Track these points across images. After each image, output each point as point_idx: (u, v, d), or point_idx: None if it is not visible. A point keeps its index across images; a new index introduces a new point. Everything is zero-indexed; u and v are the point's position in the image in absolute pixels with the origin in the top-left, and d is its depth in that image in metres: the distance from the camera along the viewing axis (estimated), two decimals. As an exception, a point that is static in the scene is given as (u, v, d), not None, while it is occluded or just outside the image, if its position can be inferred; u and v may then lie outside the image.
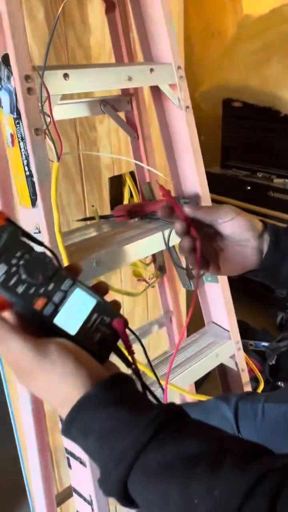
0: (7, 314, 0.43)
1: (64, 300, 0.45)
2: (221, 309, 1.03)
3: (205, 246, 0.65)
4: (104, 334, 0.46)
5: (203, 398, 0.90)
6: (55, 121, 0.68)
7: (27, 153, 0.68)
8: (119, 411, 0.40)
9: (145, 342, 1.37)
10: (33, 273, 0.45)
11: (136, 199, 1.11)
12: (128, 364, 0.48)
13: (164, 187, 0.69)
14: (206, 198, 0.94)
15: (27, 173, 0.69)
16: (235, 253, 0.66)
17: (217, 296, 1.02)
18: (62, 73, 0.71)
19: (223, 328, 1.05)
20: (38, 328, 0.44)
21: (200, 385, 1.86)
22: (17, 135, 0.69)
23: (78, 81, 0.73)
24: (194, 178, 0.93)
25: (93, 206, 1.05)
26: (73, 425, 0.41)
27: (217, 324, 1.06)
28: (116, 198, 1.17)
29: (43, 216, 0.69)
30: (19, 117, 0.67)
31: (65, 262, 0.70)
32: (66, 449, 0.81)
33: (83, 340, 0.45)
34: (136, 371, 0.48)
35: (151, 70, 0.83)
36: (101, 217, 0.98)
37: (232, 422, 0.75)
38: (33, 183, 0.69)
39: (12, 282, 0.44)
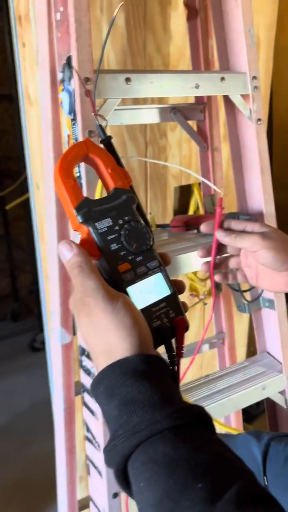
0: (94, 262, 0.46)
1: (145, 276, 0.48)
2: (275, 338, 0.95)
3: (243, 259, 0.68)
4: (163, 324, 0.48)
5: (233, 431, 0.84)
6: (97, 123, 0.67)
7: (79, 154, 0.68)
8: (152, 388, 0.39)
9: (197, 361, 1.32)
10: (130, 240, 0.48)
11: (201, 211, 1.08)
12: (171, 363, 0.48)
13: (221, 203, 0.69)
14: (270, 216, 0.88)
15: (78, 174, 0.70)
16: (270, 275, 0.67)
17: (272, 324, 0.94)
18: (124, 77, 0.70)
19: (276, 359, 0.97)
20: (112, 286, 0.46)
21: (255, 418, 1.76)
22: (73, 136, 0.69)
23: (140, 85, 0.72)
24: (259, 195, 0.87)
25: (150, 213, 1.03)
26: (103, 381, 0.41)
27: (270, 354, 0.99)
28: (181, 208, 1.15)
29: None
30: (75, 118, 0.68)
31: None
32: (87, 456, 0.80)
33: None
34: (177, 373, 0.48)
35: (222, 78, 0.79)
36: (158, 225, 0.96)
37: (259, 462, 0.68)
38: (81, 184, 0.69)
39: (110, 237, 0.48)
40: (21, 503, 1.74)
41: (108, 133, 0.98)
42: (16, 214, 2.82)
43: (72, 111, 0.68)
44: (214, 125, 0.95)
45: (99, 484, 0.77)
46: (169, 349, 0.48)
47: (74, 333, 0.86)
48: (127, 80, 0.70)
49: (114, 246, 0.48)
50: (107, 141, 0.53)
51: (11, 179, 2.67)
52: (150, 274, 0.49)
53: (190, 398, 0.86)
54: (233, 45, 0.84)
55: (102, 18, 0.88)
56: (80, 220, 0.48)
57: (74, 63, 0.66)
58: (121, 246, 0.48)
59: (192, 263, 0.81)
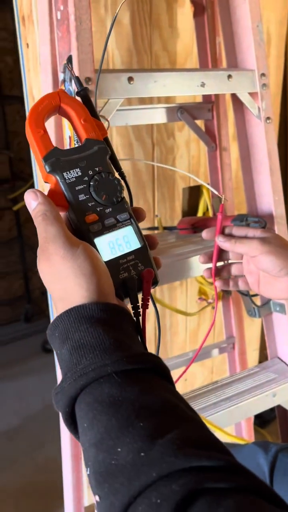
0: (63, 213, 0.46)
1: (113, 228, 0.47)
2: (286, 343, 0.92)
3: (245, 266, 0.69)
4: (130, 277, 0.47)
5: (240, 441, 0.81)
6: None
7: (81, 156, 0.67)
8: (105, 333, 0.39)
9: (208, 365, 1.29)
10: (100, 191, 0.47)
11: (211, 213, 1.05)
12: (135, 314, 0.47)
13: (222, 209, 0.69)
14: (280, 218, 0.85)
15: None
16: (271, 281, 0.67)
17: (283, 329, 0.91)
18: (126, 76, 0.68)
19: (287, 365, 0.94)
20: (78, 237, 0.46)
21: (268, 423, 1.72)
22: (74, 138, 0.68)
23: (143, 85, 0.70)
24: (269, 196, 0.85)
25: (157, 216, 1.01)
26: (58, 326, 0.41)
27: (281, 360, 0.96)
28: (191, 209, 1.12)
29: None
30: (76, 119, 0.66)
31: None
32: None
33: (110, 270, 0.46)
34: (142, 323, 0.47)
35: (229, 76, 0.76)
36: (165, 228, 0.94)
37: (266, 474, 0.66)
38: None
39: (78, 187, 0.47)
40: (29, 507, 1.73)
41: (114, 134, 0.97)
42: (28, 216, 2.82)
43: (73, 112, 0.66)
44: (223, 124, 0.92)
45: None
46: (133, 300, 0.47)
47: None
48: (130, 79, 0.69)
49: (82, 197, 0.47)
50: (83, 93, 0.52)
51: (23, 180, 2.68)
52: (119, 227, 0.48)
53: (197, 405, 0.83)
54: (241, 42, 0.81)
55: (107, 16, 0.87)
56: (48, 170, 0.47)
57: (75, 63, 0.64)
58: (89, 197, 0.47)
59: (196, 267, 0.79)
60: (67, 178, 0.47)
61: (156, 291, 1.12)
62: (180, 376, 0.73)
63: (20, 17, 0.90)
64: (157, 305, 1.07)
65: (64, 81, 0.68)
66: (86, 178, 0.47)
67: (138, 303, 0.47)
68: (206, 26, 0.88)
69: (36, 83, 0.90)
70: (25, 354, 2.62)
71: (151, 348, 1.08)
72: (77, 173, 0.47)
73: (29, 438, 2.03)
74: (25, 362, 2.55)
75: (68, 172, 0.47)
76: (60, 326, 0.40)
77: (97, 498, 0.32)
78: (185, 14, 0.95)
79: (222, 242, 0.68)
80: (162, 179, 1.03)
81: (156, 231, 0.99)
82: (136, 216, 0.50)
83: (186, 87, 0.73)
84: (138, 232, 0.49)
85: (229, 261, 0.73)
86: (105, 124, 0.68)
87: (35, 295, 3.03)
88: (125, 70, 0.79)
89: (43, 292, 2.75)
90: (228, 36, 0.83)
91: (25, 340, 2.73)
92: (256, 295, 0.86)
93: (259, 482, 0.30)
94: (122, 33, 0.89)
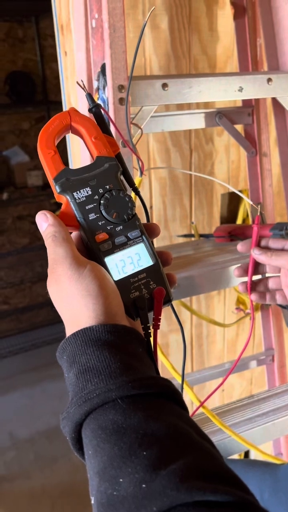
0: (75, 232, 0.46)
1: (124, 246, 0.47)
2: None
3: (282, 279, 0.66)
4: (141, 296, 0.46)
5: (275, 460, 0.77)
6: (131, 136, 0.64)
7: (113, 164, 0.66)
8: (111, 357, 0.38)
9: (247, 376, 1.25)
10: (110, 209, 0.47)
11: (250, 220, 1.02)
12: (146, 335, 0.45)
13: (258, 221, 0.68)
14: None
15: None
16: None
17: None
18: (160, 83, 0.67)
19: None
20: (90, 257, 0.46)
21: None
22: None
23: (178, 91, 0.68)
24: (310, 204, 0.81)
25: (192, 223, 0.99)
26: (66, 349, 0.40)
27: None
28: (230, 215, 1.09)
29: (120, 230, 0.66)
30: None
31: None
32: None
33: (120, 289, 0.45)
34: (150, 346, 0.45)
35: (269, 80, 0.73)
36: (201, 235, 0.91)
37: None
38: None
39: (88, 206, 0.46)
40: (65, 507, 1.75)
41: (150, 139, 0.96)
42: (72, 219, 2.88)
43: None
44: (263, 129, 0.89)
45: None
46: (143, 321, 0.45)
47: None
48: (164, 86, 0.67)
49: (92, 216, 0.46)
50: (94, 109, 0.51)
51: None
52: (130, 245, 0.47)
53: (231, 420, 0.80)
54: (282, 44, 0.78)
55: (145, 22, 0.86)
56: (58, 190, 0.47)
57: (108, 70, 0.64)
58: (99, 215, 0.46)
59: (233, 278, 0.77)
60: (77, 198, 0.46)
61: (193, 300, 1.10)
62: (217, 388, 0.71)
63: (59, 26, 0.90)
64: (193, 315, 1.05)
65: (98, 88, 0.68)
66: (96, 197, 0.47)
67: (149, 323, 0.46)
68: (246, 28, 0.86)
69: (74, 91, 0.90)
70: (66, 355, 2.66)
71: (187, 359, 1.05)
72: (87, 192, 0.47)
73: (67, 439, 2.06)
74: (66, 363, 2.59)
75: (78, 192, 0.46)
76: (68, 349, 0.40)
77: None
78: (225, 17, 0.92)
79: (257, 255, 0.65)
80: (199, 185, 1.00)
81: (192, 239, 0.97)
82: (149, 232, 0.48)
83: (223, 92, 0.71)
84: (150, 249, 0.47)
85: (266, 275, 0.70)
86: (138, 132, 0.67)
87: (77, 297, 3.07)
88: (159, 76, 0.78)
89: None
90: (270, 38, 0.80)
91: (66, 341, 2.78)
92: (295, 307, 0.82)
93: None
94: (160, 38, 0.87)
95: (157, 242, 1.03)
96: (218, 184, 1.02)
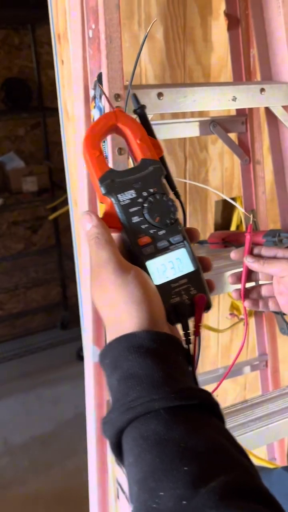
0: (113, 235, 0.46)
1: (166, 251, 0.47)
2: None
3: (275, 287, 0.67)
4: (182, 302, 0.46)
5: (269, 464, 0.78)
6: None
7: (109, 171, 0.67)
8: (154, 365, 0.38)
9: (241, 381, 1.26)
10: (153, 213, 0.47)
11: (244, 227, 1.03)
12: (187, 342, 0.46)
13: (250, 229, 0.70)
14: (315, 235, 0.82)
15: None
16: None
17: None
18: (156, 92, 0.68)
19: None
20: (131, 260, 0.46)
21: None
22: (103, 153, 0.68)
23: (173, 100, 0.69)
24: (303, 211, 0.82)
25: (187, 230, 1.00)
26: (109, 354, 0.41)
27: (316, 380, 0.92)
28: (224, 222, 1.11)
29: (116, 237, 0.67)
30: (105, 135, 0.67)
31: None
32: (117, 480, 0.78)
33: (161, 294, 0.45)
34: (194, 351, 0.46)
35: (262, 90, 0.75)
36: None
37: None
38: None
39: (132, 209, 0.47)
40: (61, 513, 1.75)
41: (146, 147, 0.97)
42: (67, 224, 2.88)
43: (102, 128, 0.67)
44: (256, 138, 0.91)
45: (127, 509, 0.75)
46: (184, 327, 0.46)
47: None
48: (159, 95, 0.68)
49: (135, 219, 0.47)
50: (139, 111, 0.52)
51: (63, 190, 2.74)
52: (172, 249, 0.47)
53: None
54: (275, 54, 0.80)
55: (140, 32, 0.87)
56: (103, 192, 0.47)
57: (104, 80, 0.65)
58: (143, 219, 0.47)
59: (227, 284, 0.78)
60: (121, 200, 0.47)
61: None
62: (212, 392, 0.72)
63: (56, 35, 0.92)
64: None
65: (94, 97, 0.69)
66: (140, 200, 0.47)
67: (189, 330, 0.46)
68: (240, 38, 0.87)
69: (70, 99, 0.92)
70: (61, 361, 2.66)
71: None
72: (131, 195, 0.47)
73: (62, 445, 2.05)
74: (60, 369, 2.59)
75: (122, 194, 0.47)
76: (110, 354, 0.40)
77: None
78: (219, 27, 0.94)
79: (250, 263, 0.67)
80: (194, 192, 1.02)
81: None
82: (189, 237, 0.48)
83: (217, 101, 0.72)
84: (191, 254, 0.48)
85: (259, 282, 0.72)
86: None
87: (72, 302, 3.07)
88: (155, 85, 0.79)
89: (80, 299, 2.79)
90: (263, 48, 0.81)
91: (61, 347, 2.78)
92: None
93: None
94: (155, 48, 0.89)
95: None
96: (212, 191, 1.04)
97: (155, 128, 0.81)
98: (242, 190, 0.94)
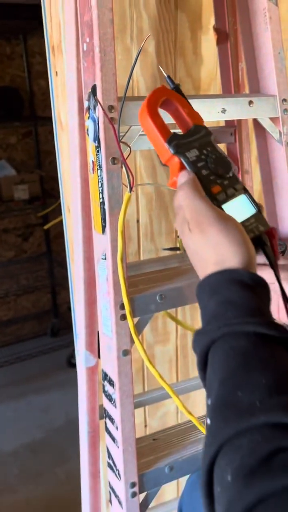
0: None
1: (233, 196, 0.55)
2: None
3: None
4: (256, 236, 0.55)
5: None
6: (123, 154, 0.68)
7: (102, 180, 0.69)
8: (251, 298, 0.45)
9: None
10: (217, 166, 0.55)
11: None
12: (272, 266, 0.56)
13: None
14: (302, 242, 0.85)
15: (101, 200, 0.70)
16: None
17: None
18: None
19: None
20: None
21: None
22: (97, 163, 0.70)
23: (164, 112, 0.72)
24: (290, 219, 0.85)
25: (178, 236, 1.03)
26: (210, 282, 0.47)
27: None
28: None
29: (109, 243, 0.69)
30: (99, 145, 0.69)
31: (124, 294, 0.68)
32: (109, 483, 0.79)
33: None
34: (277, 274, 0.56)
35: (250, 102, 0.78)
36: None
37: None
38: (104, 210, 0.70)
39: (200, 164, 0.55)
40: (52, 521, 1.74)
41: (138, 156, 0.99)
42: (58, 232, 2.90)
43: (96, 138, 0.69)
44: (245, 148, 0.93)
45: (119, 512, 0.76)
46: (269, 253, 0.55)
47: (99, 356, 0.86)
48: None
49: (204, 172, 0.55)
50: (176, 88, 0.60)
51: (54, 198, 2.75)
52: (237, 195, 0.56)
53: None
54: (263, 68, 0.83)
55: (133, 45, 0.90)
56: (172, 152, 0.55)
57: (98, 92, 0.67)
58: (210, 172, 0.55)
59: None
60: (189, 157, 0.55)
61: (178, 311, 1.12)
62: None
63: (50, 47, 0.94)
64: (178, 326, 1.06)
65: (88, 108, 0.71)
66: (203, 157, 0.55)
67: (270, 256, 0.56)
68: (229, 53, 0.91)
69: (64, 109, 0.94)
70: (51, 368, 2.65)
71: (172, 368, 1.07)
72: (196, 153, 0.55)
73: (52, 452, 2.05)
74: (50, 376, 2.58)
75: (189, 152, 0.55)
76: (213, 282, 0.47)
77: (208, 421, 0.39)
78: (209, 41, 0.97)
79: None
80: (185, 201, 1.04)
81: (177, 252, 1.00)
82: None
83: (207, 113, 0.75)
84: (251, 198, 0.57)
85: None
86: (127, 150, 0.71)
87: (62, 310, 3.08)
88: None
89: (70, 307, 2.79)
90: (251, 62, 0.84)
91: (51, 354, 2.77)
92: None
93: None
94: (147, 61, 0.92)
95: (144, 255, 1.06)
96: (203, 199, 1.06)
97: (146, 138, 0.84)
98: (231, 199, 0.96)
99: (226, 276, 0.47)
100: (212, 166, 0.55)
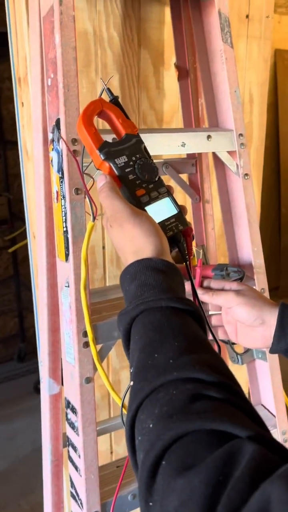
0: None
1: (156, 199, 0.62)
2: (269, 390, 0.93)
3: (223, 316, 0.74)
4: (174, 234, 0.63)
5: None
6: (86, 185, 0.70)
7: (66, 210, 0.71)
8: (164, 280, 0.52)
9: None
10: (143, 172, 0.62)
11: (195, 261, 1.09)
12: (184, 260, 0.65)
13: (200, 264, 0.76)
14: (259, 267, 0.88)
15: (65, 229, 0.72)
16: (247, 331, 0.71)
17: (266, 376, 0.93)
18: (112, 136, 0.73)
19: (270, 413, 0.95)
20: None
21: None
22: (61, 193, 0.72)
23: (127, 145, 0.75)
24: (248, 247, 0.88)
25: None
26: (131, 270, 0.53)
27: (265, 407, 0.97)
28: (177, 256, 1.16)
29: (72, 271, 0.70)
30: (63, 176, 0.71)
31: (87, 321, 0.69)
32: (71, 481, 0.78)
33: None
34: (188, 268, 0.65)
35: (209, 136, 0.82)
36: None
37: None
38: (67, 239, 0.71)
39: (127, 170, 0.61)
40: None
41: (102, 185, 1.01)
42: (25, 255, 2.87)
43: (60, 169, 0.71)
44: (205, 178, 0.97)
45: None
46: (182, 248, 0.64)
47: (62, 384, 0.86)
48: (114, 139, 0.74)
49: (131, 177, 0.61)
50: (115, 100, 0.66)
51: (22, 221, 2.74)
52: (160, 198, 0.62)
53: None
54: (220, 104, 0.87)
55: (97, 79, 0.93)
56: (103, 158, 0.61)
57: (62, 125, 0.69)
58: (136, 176, 0.61)
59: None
60: (118, 163, 0.60)
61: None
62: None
63: (17, 78, 0.96)
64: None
65: (53, 140, 0.73)
66: (131, 163, 0.61)
67: (184, 251, 0.64)
68: (189, 88, 0.95)
69: (29, 138, 0.96)
70: (17, 395, 2.59)
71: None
72: (124, 159, 0.61)
73: (18, 483, 1.98)
74: (17, 403, 2.52)
75: (118, 159, 0.61)
76: (132, 270, 0.53)
77: (131, 383, 0.44)
78: (170, 76, 1.02)
79: (201, 295, 0.72)
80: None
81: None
82: (170, 190, 0.65)
83: (167, 146, 0.78)
84: (174, 201, 0.63)
85: (209, 313, 0.77)
86: (90, 181, 0.73)
87: (29, 334, 3.02)
88: (110, 130, 0.85)
89: (38, 331, 2.75)
90: (210, 98, 0.89)
91: (18, 380, 2.71)
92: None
93: (249, 407, 0.39)
94: (112, 94, 0.95)
95: (110, 281, 1.07)
96: (166, 226, 1.09)
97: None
98: (193, 227, 1.00)
99: (142, 264, 0.53)
100: (139, 172, 0.61)
